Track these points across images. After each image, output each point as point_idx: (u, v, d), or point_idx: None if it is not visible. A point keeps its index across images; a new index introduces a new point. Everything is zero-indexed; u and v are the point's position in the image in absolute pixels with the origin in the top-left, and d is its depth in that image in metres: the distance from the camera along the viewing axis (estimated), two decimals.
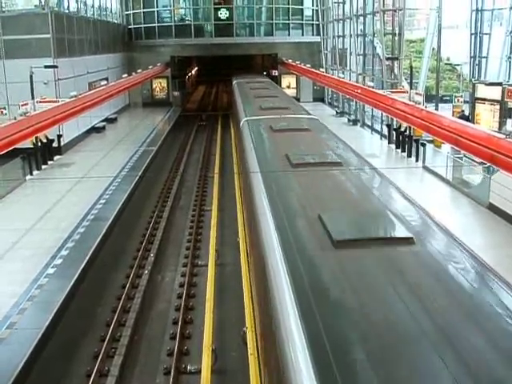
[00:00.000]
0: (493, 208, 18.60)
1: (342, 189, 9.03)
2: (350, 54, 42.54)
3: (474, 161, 21.85)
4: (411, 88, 27.96)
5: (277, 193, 8.96)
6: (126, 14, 51.64)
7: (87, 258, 15.70)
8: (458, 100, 31.52)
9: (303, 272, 5.70)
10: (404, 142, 28.31)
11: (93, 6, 42.30)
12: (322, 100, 50.76)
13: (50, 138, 27.51)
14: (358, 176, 9.83)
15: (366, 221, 7.02)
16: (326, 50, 49.50)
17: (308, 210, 7.64)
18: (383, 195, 8.77)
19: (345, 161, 10.80)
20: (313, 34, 51.20)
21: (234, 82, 35.16)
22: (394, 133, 29.93)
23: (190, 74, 65.61)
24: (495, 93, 25.80)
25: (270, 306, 5.59)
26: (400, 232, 6.51)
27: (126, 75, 39.12)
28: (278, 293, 5.53)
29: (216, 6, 49.02)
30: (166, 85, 51.80)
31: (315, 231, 6.73)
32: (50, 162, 27.70)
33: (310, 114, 19.75)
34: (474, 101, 27.85)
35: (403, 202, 8.34)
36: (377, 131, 35.33)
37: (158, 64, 47.48)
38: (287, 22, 50.25)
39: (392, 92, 27.54)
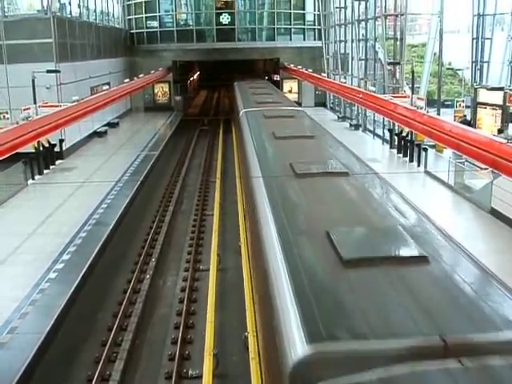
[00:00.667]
0: (494, 213, 18.58)
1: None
2: (352, 58, 42.59)
3: (476, 166, 21.84)
4: (413, 93, 27.96)
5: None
6: (128, 19, 51.78)
7: (89, 262, 15.69)
8: (460, 105, 31.59)
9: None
10: (406, 146, 28.30)
11: (95, 11, 42.41)
12: (324, 105, 50.74)
13: (52, 142, 27.54)
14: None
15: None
16: (328, 54, 49.53)
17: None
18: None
19: (318, 135, 13.04)
20: (314, 39, 51.25)
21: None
22: (396, 138, 29.92)
23: (191, 79, 65.71)
24: (497, 97, 25.84)
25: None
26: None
27: (127, 80, 39.15)
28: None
29: (218, 11, 49.12)
30: (167, 89, 51.85)
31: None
32: (51, 167, 27.72)
33: (296, 107, 24.42)
34: (475, 105, 27.89)
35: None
36: (378, 136, 35.32)
37: (160, 69, 47.54)
38: (289, 26, 50.35)
39: (394, 97, 27.54)
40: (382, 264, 5.66)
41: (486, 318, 4.74)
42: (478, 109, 27.55)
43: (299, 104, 44.65)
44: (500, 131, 24.69)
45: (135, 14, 51.44)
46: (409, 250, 6.10)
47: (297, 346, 4.51)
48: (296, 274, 5.71)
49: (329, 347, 4.38)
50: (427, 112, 23.17)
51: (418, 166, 26.42)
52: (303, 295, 5.23)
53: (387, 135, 32.46)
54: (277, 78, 51.40)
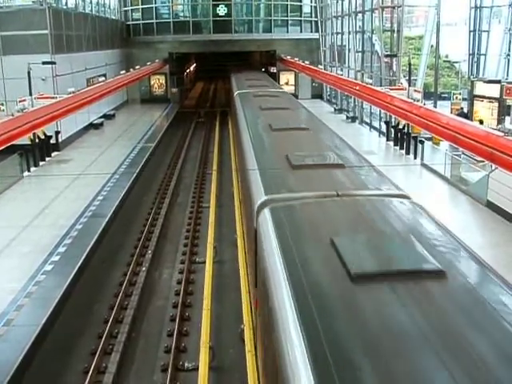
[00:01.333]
0: (491, 206, 18.60)
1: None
2: (349, 50, 42.50)
3: (473, 158, 21.85)
4: (410, 85, 27.96)
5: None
6: (125, 10, 51.55)
7: (85, 254, 15.68)
8: (457, 97, 31.56)
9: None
10: (402, 139, 28.31)
11: (91, 2, 42.17)
12: (321, 97, 50.71)
13: (48, 134, 27.45)
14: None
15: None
16: (325, 46, 49.45)
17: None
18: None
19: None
20: (311, 31, 51.16)
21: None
22: (393, 130, 29.91)
23: (188, 71, 65.50)
24: (494, 90, 25.82)
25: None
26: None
27: (124, 71, 39.01)
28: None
29: (214, 3, 48.92)
30: (164, 81, 51.72)
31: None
32: (47, 159, 27.65)
33: (282, 89, 30.19)
34: (472, 98, 27.87)
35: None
36: (375, 128, 35.32)
37: (157, 60, 47.41)
38: (286, 18, 50.18)
39: (390, 89, 27.49)
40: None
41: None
42: (475, 101, 27.51)
43: (296, 96, 44.66)
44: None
45: (131, 5, 51.20)
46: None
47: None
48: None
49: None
50: (424, 104, 23.14)
51: (415, 158, 26.42)
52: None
53: (384, 128, 32.45)
54: (273, 70, 51.30)
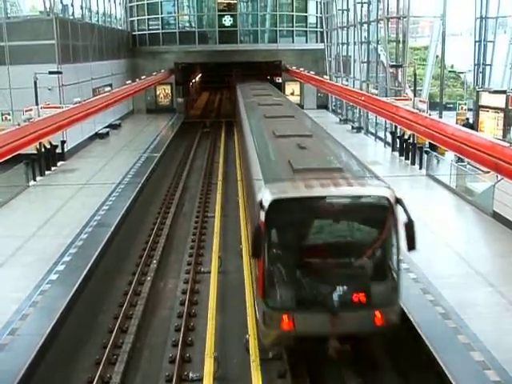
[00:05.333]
0: (497, 216, 18.53)
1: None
2: (354, 61, 42.56)
3: (479, 169, 21.80)
4: (415, 95, 27.96)
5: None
6: (131, 21, 51.81)
7: (90, 264, 15.67)
8: (462, 108, 31.54)
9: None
10: (408, 149, 28.27)
11: (97, 13, 42.45)
12: (326, 107, 50.78)
13: (54, 143, 27.53)
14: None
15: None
16: (330, 57, 49.55)
17: None
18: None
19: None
20: (317, 42, 51.31)
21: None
22: (398, 140, 29.89)
23: (193, 81, 65.74)
24: (499, 100, 25.75)
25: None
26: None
27: (129, 81, 39.16)
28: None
29: (220, 13, 49.17)
30: (169, 91, 51.90)
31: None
32: (53, 168, 27.72)
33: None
34: (477, 108, 27.80)
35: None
36: (380, 139, 35.29)
37: (162, 70, 47.59)
38: (291, 29, 50.40)
39: (396, 99, 27.51)
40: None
41: None
42: (481, 112, 27.43)
43: (301, 106, 44.76)
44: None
45: (138, 16, 51.45)
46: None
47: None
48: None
49: None
50: (429, 115, 23.12)
51: (420, 168, 26.38)
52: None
53: (389, 138, 32.43)
54: (279, 80, 51.40)
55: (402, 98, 28.99)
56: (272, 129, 15.52)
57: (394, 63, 33.01)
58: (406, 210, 9.61)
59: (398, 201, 9.73)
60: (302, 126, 17.77)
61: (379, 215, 9.87)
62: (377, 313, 9.73)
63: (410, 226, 9.49)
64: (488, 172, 19.45)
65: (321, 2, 50.51)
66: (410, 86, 33.87)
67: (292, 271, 9.79)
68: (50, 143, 27.10)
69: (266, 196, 9.77)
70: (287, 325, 9.58)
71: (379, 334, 10.20)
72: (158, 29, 50.15)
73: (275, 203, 9.58)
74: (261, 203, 9.71)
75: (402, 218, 9.67)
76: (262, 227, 9.50)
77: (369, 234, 10.16)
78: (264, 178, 11.09)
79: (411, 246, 9.55)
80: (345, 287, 9.54)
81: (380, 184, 10.40)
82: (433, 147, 25.53)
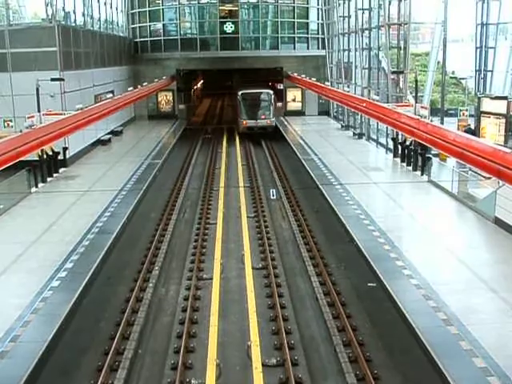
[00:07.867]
0: (499, 222, 18.52)
1: None
2: (356, 67, 42.63)
3: (480, 175, 21.80)
4: (416, 102, 27.95)
5: None
6: (132, 28, 51.96)
7: (91, 270, 15.68)
8: (464, 114, 31.55)
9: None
10: (409, 155, 28.28)
11: (99, 20, 42.57)
12: (327, 113, 50.84)
13: (56, 150, 27.57)
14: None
15: None
16: (332, 63, 49.62)
17: None
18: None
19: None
20: (318, 48, 51.38)
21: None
22: (400, 146, 29.90)
23: (195, 88, 65.85)
24: (500, 106, 25.78)
25: None
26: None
27: (131, 88, 39.25)
28: None
29: (222, 20, 49.29)
30: (171, 98, 52.00)
31: None
32: (55, 175, 27.74)
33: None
34: (479, 114, 27.83)
35: None
36: (382, 145, 35.31)
37: (164, 77, 47.69)
38: (292, 35, 50.48)
39: (397, 106, 27.52)
40: None
41: None
42: (482, 118, 27.46)
43: (303, 113, 44.91)
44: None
45: (139, 23, 51.59)
46: None
47: None
48: None
49: None
50: (431, 121, 23.13)
51: (422, 174, 26.38)
52: None
53: (391, 144, 32.44)
54: (280, 86, 51.53)
55: (403, 104, 29.02)
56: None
57: (396, 69, 33.03)
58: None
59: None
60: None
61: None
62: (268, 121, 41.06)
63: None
64: (489, 178, 19.47)
65: (322, 9, 50.63)
66: (411, 92, 33.94)
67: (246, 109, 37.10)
68: (52, 150, 27.13)
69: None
70: (244, 124, 39.37)
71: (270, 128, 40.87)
72: (159, 36, 50.27)
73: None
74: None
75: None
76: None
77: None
78: None
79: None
80: (260, 112, 39.22)
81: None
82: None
